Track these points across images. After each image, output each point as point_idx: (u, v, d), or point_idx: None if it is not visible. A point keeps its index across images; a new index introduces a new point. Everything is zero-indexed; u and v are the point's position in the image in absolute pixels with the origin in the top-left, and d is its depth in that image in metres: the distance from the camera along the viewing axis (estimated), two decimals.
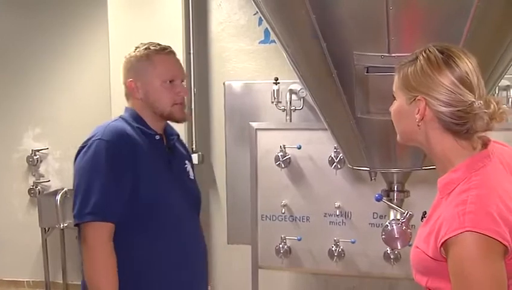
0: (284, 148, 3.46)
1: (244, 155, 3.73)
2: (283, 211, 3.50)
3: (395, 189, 2.29)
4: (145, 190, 1.67)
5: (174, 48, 3.78)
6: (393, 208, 2.29)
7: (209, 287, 1.94)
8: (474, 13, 1.54)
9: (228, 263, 4.22)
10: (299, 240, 3.46)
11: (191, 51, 3.92)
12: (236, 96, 3.90)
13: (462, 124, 1.19)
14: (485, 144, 1.26)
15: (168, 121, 1.87)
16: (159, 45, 1.84)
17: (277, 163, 3.47)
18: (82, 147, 1.70)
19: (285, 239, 3.48)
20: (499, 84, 3.21)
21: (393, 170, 2.21)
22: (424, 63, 1.22)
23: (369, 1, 1.61)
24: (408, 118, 1.26)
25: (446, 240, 1.12)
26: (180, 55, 3.82)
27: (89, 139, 1.70)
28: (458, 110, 1.18)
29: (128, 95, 1.83)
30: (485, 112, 1.17)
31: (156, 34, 3.77)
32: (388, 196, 2.31)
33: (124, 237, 1.66)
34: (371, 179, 2.42)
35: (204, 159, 4.07)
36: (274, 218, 3.57)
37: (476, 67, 1.23)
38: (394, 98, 1.32)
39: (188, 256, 1.78)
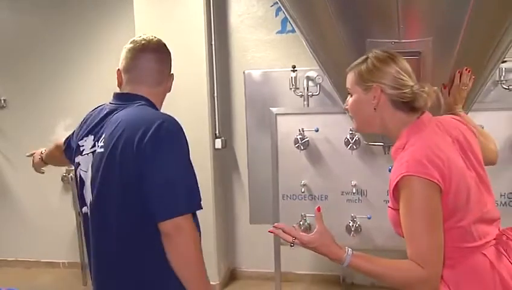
0: (303, 131, 3.68)
1: (264, 139, 3.93)
2: (303, 191, 3.72)
3: None
4: None
5: (196, 39, 4.12)
6: None
7: None
8: (474, 2, 1.74)
9: (251, 242, 4.44)
10: None
11: (213, 42, 4.12)
12: (256, 84, 4.08)
13: (408, 102, 1.55)
14: (421, 117, 1.59)
15: None
16: None
17: (296, 145, 3.70)
18: (156, 136, 1.57)
19: (305, 216, 3.71)
20: (506, 67, 3.41)
21: None
22: (374, 60, 1.59)
23: None
24: (366, 105, 1.59)
25: (393, 187, 1.46)
26: (203, 46, 4.06)
27: (159, 127, 1.59)
28: (403, 92, 1.55)
29: (161, 85, 1.81)
30: (423, 91, 1.55)
31: (180, 27, 3.99)
32: None
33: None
34: (385, 153, 2.63)
35: (227, 143, 4.29)
36: (294, 197, 3.79)
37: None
38: (349, 95, 1.65)
39: None
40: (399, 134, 1.58)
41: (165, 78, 1.83)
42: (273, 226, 1.58)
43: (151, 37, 1.84)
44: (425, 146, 1.48)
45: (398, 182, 1.45)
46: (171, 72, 1.86)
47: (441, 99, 1.69)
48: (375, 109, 1.58)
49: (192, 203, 1.59)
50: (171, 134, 1.60)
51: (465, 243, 1.49)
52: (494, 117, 3.36)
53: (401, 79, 1.55)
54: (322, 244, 1.53)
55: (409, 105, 1.56)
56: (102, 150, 1.67)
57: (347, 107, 1.67)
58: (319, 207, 1.60)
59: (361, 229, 3.61)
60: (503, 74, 3.47)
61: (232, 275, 4.49)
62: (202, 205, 1.63)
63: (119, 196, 1.61)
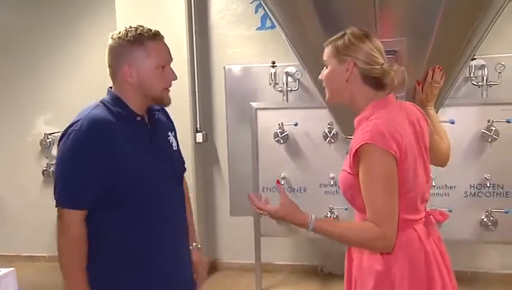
0: (282, 125, 3.79)
1: (244, 133, 4.01)
2: (282, 183, 3.82)
3: None
4: (125, 172, 1.74)
5: (177, 35, 4.18)
6: None
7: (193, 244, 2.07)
8: (446, 5, 1.88)
9: (231, 234, 4.52)
10: None
11: (194, 38, 4.19)
12: (236, 79, 4.14)
13: (377, 78, 1.68)
14: (388, 96, 1.74)
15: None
16: (149, 30, 1.81)
17: (276, 139, 3.81)
18: (63, 135, 1.76)
19: None
20: (475, 64, 3.58)
21: None
22: (350, 36, 1.70)
23: None
24: (339, 77, 1.71)
25: (354, 152, 1.60)
26: (184, 41, 4.13)
27: (69, 128, 1.75)
28: (374, 68, 1.67)
29: (118, 78, 1.80)
30: (391, 69, 1.68)
31: (161, 23, 3.97)
32: None
33: (108, 218, 1.77)
34: None
35: (208, 137, 4.36)
36: (274, 189, 3.88)
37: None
38: (325, 67, 1.76)
39: (168, 227, 1.86)
40: (364, 107, 1.70)
41: (116, 71, 1.80)
42: (248, 195, 1.76)
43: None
44: (388, 121, 1.62)
45: (359, 148, 1.58)
46: (128, 64, 1.77)
47: (406, 79, 1.78)
48: (347, 80, 1.69)
49: (63, 200, 1.74)
50: (66, 136, 1.74)
51: (407, 214, 1.65)
52: (464, 112, 3.53)
53: (373, 56, 1.67)
54: (287, 213, 1.66)
55: (377, 81, 1.69)
56: None
57: (321, 77, 1.78)
58: (278, 180, 1.76)
59: (338, 220, 3.74)
60: (473, 70, 3.62)
61: (213, 266, 4.56)
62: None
63: None
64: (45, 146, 4.76)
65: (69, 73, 4.68)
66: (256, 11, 4.26)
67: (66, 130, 1.76)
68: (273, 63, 3.94)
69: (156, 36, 1.81)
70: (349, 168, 1.65)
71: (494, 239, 3.62)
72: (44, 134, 4.75)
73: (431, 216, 1.74)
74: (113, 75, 1.82)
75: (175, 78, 1.86)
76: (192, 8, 4.18)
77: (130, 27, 1.80)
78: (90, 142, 1.71)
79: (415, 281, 1.65)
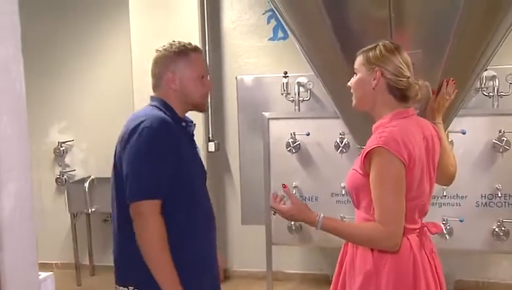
0: (294, 135, 3.82)
1: (255, 142, 4.05)
2: (294, 192, 3.81)
3: None
4: (185, 169, 1.86)
5: None
6: None
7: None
8: (459, 20, 1.92)
9: (242, 242, 4.55)
10: None
11: (206, 48, 4.24)
12: (248, 89, 4.20)
13: (403, 90, 1.77)
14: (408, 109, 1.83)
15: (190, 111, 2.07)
16: (190, 43, 1.99)
17: (288, 149, 3.84)
18: (132, 134, 1.83)
19: None
20: (486, 75, 3.61)
21: None
22: (382, 48, 1.79)
23: (376, 9, 1.99)
24: (366, 84, 1.80)
25: (366, 153, 1.69)
26: None
27: (137, 126, 1.83)
28: (400, 80, 1.76)
29: (162, 85, 1.94)
30: (416, 83, 1.78)
31: (174, 33, 4.04)
32: None
33: (168, 210, 1.83)
34: None
35: (220, 146, 4.40)
36: (286, 199, 3.89)
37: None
38: (355, 74, 1.84)
39: (209, 220, 2.01)
40: (384, 115, 1.78)
41: (160, 79, 1.94)
42: (272, 194, 1.86)
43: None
44: (403, 130, 1.72)
45: (372, 150, 1.67)
46: (172, 72, 1.92)
47: (431, 94, 1.88)
48: (373, 88, 1.77)
49: (142, 191, 1.79)
50: (137, 134, 1.81)
51: (405, 222, 1.71)
52: (476, 122, 3.55)
53: (401, 68, 1.76)
54: (298, 212, 1.79)
55: (402, 93, 1.77)
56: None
57: (350, 84, 1.86)
58: (284, 184, 1.87)
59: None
60: (484, 81, 3.65)
61: (224, 275, 4.58)
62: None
63: (116, 183, 1.89)
64: (59, 154, 4.81)
65: (82, 82, 4.74)
66: (268, 22, 4.32)
67: (134, 129, 1.83)
68: (285, 73, 3.98)
69: (197, 49, 1.99)
70: (359, 168, 1.73)
71: (505, 249, 3.62)
72: (58, 142, 4.79)
73: (425, 228, 1.81)
74: (157, 83, 1.96)
75: (212, 88, 2.03)
76: (205, 19, 4.24)
77: (173, 41, 1.96)
78: (161, 138, 1.82)
79: (400, 288, 1.71)
